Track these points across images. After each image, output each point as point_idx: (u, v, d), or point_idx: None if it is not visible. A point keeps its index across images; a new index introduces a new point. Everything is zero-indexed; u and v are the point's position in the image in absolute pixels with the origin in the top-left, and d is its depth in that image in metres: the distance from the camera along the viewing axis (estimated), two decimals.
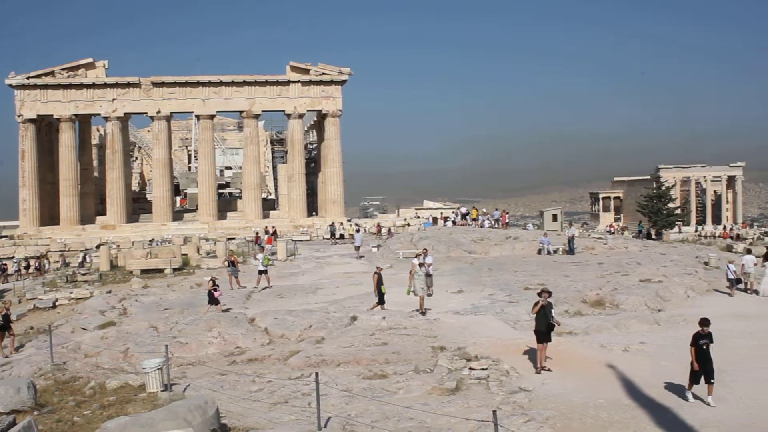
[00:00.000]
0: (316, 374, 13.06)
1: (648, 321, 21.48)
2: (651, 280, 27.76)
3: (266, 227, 58.46)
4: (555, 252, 38.53)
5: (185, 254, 43.96)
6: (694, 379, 13.87)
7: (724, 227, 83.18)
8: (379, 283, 23.82)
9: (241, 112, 67.50)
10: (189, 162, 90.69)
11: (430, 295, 24.33)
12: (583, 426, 12.63)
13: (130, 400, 15.06)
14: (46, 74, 64.52)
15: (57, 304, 32.16)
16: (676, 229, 71.63)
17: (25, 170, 64.20)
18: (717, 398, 13.69)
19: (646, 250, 38.02)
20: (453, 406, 13.66)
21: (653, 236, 60.16)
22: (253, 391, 15.29)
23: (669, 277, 28.02)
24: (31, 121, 64.36)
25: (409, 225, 62.90)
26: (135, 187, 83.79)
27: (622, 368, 16.06)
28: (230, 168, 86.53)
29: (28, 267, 50.53)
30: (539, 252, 38.48)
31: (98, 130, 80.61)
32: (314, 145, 79.21)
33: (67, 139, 65.20)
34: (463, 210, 60.48)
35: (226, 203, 71.92)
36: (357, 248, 43.61)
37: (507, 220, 53.89)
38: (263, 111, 68.04)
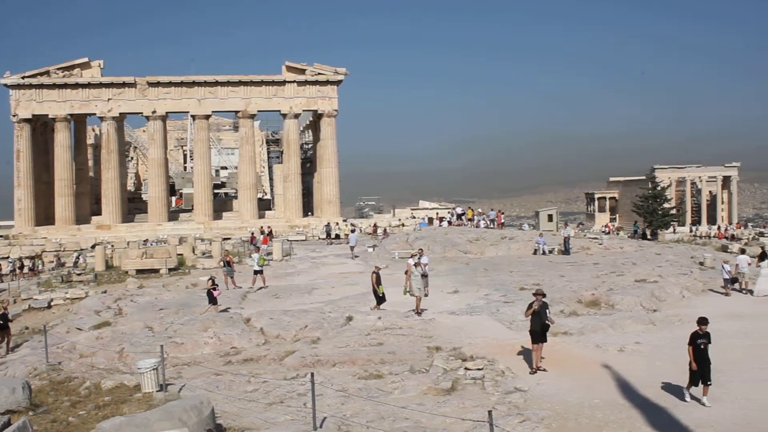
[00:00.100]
0: (312, 374, 13.04)
1: (643, 321, 21.50)
2: (646, 280, 27.82)
3: (262, 227, 58.44)
4: (550, 252, 38.58)
5: (181, 254, 43.92)
6: (693, 379, 13.82)
7: (719, 228, 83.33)
8: (378, 282, 23.80)
9: (236, 112, 67.48)
10: (184, 162, 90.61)
11: (426, 295, 24.35)
12: (578, 426, 12.64)
13: (125, 401, 15.03)
14: (41, 74, 64.38)
15: (52, 304, 32.10)
16: (671, 229, 71.68)
17: (21, 170, 64.06)
18: (712, 398, 13.71)
19: (642, 250, 38.10)
20: (448, 407, 13.66)
21: (648, 236, 60.19)
22: (248, 392, 15.27)
23: (664, 278, 28.07)
24: (26, 120, 64.23)
25: (403, 225, 62.87)
26: (130, 187, 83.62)
27: (617, 368, 16.08)
28: (226, 168, 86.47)
29: (22, 267, 50.36)
30: (535, 252, 38.54)
31: (94, 130, 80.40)
32: (310, 145, 79.19)
33: (62, 138, 65.05)
34: (459, 210, 60.58)
35: (221, 203, 71.85)
36: (352, 248, 43.61)
37: (502, 221, 53.94)
38: (259, 111, 68.01)
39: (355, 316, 22.35)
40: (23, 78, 63.99)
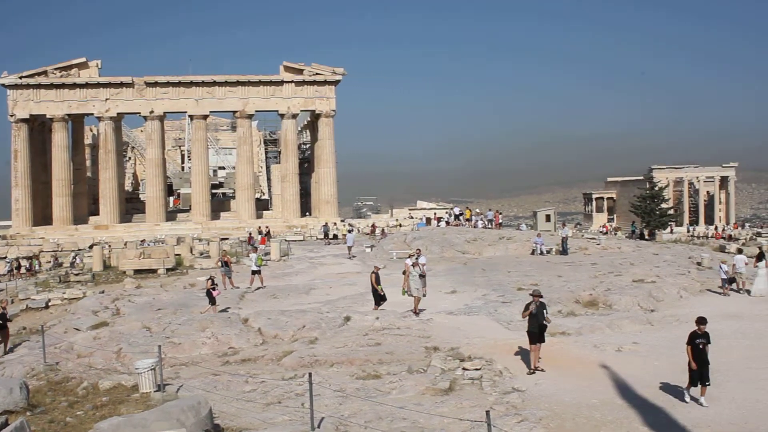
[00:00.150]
0: (310, 374, 13.05)
1: (641, 321, 21.52)
2: (644, 280, 27.84)
3: (260, 227, 58.42)
4: (548, 252, 38.60)
5: (178, 254, 43.90)
6: (692, 379, 13.77)
7: (716, 228, 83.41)
8: (377, 282, 23.77)
9: (234, 112, 67.46)
10: (182, 162, 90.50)
11: (424, 295, 24.33)
12: (576, 426, 12.65)
13: (122, 401, 15.02)
14: (38, 74, 64.31)
15: (50, 304, 32.09)
16: (668, 229, 71.73)
17: (18, 170, 64.01)
18: (710, 398, 13.72)
19: (639, 250, 38.11)
20: (446, 407, 13.66)
21: (646, 237, 60.27)
22: (246, 392, 15.27)
23: (662, 278, 28.09)
24: (23, 120, 64.17)
25: (401, 225, 62.82)
26: (128, 187, 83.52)
27: (615, 368, 16.09)
28: (223, 168, 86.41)
29: (19, 267, 50.28)
30: (532, 252, 38.55)
31: (91, 130, 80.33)
32: (308, 145, 79.18)
33: (59, 139, 64.97)
34: (457, 210, 60.58)
35: (219, 203, 71.79)
36: (349, 248, 43.62)
37: (500, 221, 53.99)
38: (257, 111, 68.01)
39: (353, 317, 22.34)
40: (21, 78, 63.92)
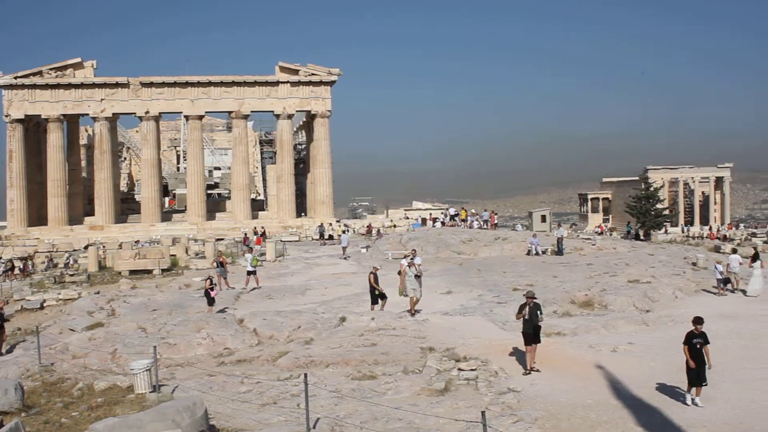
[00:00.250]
0: (305, 375, 13.03)
1: (636, 321, 21.56)
2: (639, 280, 27.90)
3: (255, 228, 58.37)
4: (544, 253, 38.65)
5: (174, 255, 43.81)
6: (691, 380, 13.72)
7: (711, 228, 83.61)
8: (376, 282, 23.75)
9: (230, 112, 67.36)
10: (178, 162, 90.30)
11: (420, 295, 24.32)
12: (571, 426, 12.67)
13: (118, 402, 15.00)
14: (33, 74, 64.13)
15: (45, 305, 31.96)
16: (663, 230, 71.86)
17: (13, 170, 63.84)
18: (705, 398, 13.75)
19: (635, 250, 38.18)
20: (442, 407, 13.67)
21: (641, 237, 60.39)
22: (241, 392, 15.26)
23: (657, 278, 28.16)
24: (18, 121, 63.99)
25: (395, 226, 62.81)
26: (123, 187, 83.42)
27: (610, 369, 16.12)
28: (219, 168, 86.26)
29: (12, 268, 50.11)
30: (528, 253, 38.59)
31: (86, 131, 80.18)
32: (303, 146, 79.13)
33: (55, 139, 64.81)
34: (452, 211, 60.61)
35: (214, 204, 71.70)
36: (344, 249, 43.62)
37: (496, 221, 54.03)
38: (252, 111, 67.89)
39: (349, 317, 22.34)
40: (16, 78, 63.74)
